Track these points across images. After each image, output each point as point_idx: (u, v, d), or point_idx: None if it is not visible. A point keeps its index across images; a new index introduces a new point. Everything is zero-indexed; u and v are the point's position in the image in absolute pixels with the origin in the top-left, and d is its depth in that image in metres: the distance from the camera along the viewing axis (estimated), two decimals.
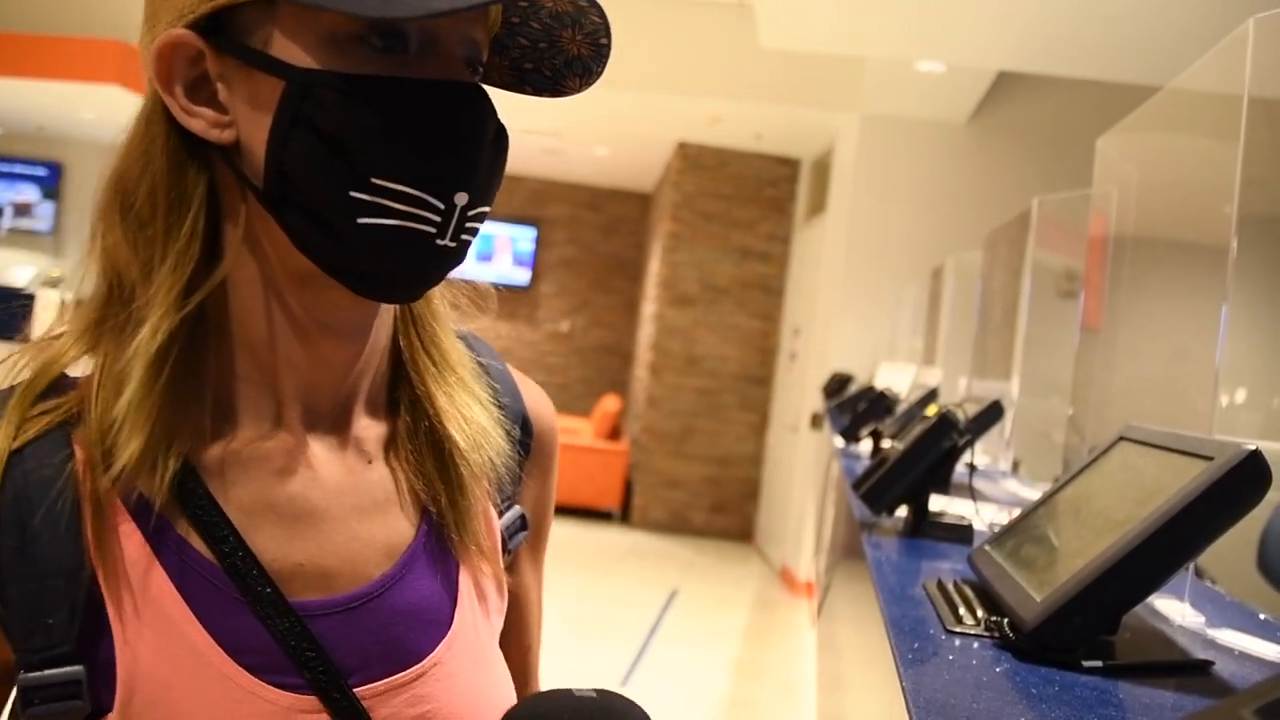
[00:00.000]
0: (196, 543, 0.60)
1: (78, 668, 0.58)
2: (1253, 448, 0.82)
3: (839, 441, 3.09)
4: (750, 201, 7.74)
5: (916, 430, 1.51)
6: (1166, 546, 0.84)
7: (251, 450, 0.63)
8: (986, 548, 1.14)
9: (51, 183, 10.00)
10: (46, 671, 0.57)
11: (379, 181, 0.57)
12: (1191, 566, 1.12)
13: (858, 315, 6.03)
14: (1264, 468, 0.82)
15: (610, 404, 8.60)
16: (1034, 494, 2.28)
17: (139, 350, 0.58)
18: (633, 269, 9.81)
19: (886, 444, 2.66)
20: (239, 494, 0.62)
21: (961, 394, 3.23)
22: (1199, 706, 0.81)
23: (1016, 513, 1.75)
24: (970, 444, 1.57)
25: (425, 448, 0.69)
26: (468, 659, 0.68)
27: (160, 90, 0.60)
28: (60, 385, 0.63)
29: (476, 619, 0.70)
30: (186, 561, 0.60)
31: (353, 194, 0.57)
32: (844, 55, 5.66)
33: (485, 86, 0.63)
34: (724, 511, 7.81)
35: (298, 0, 0.55)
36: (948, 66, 5.08)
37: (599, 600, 5.74)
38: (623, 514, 8.01)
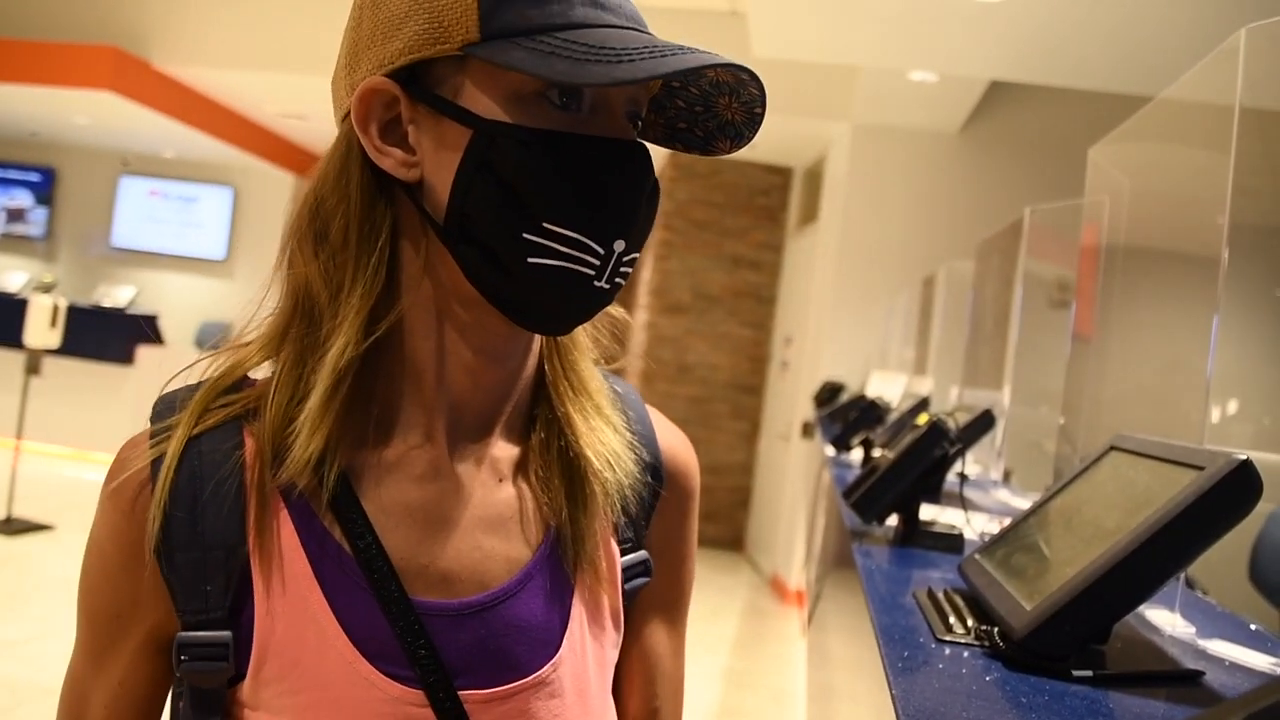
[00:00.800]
0: (337, 535, 0.67)
1: (226, 633, 0.65)
2: (1243, 457, 0.82)
3: (830, 450, 3.08)
4: (743, 210, 7.74)
5: (907, 439, 1.51)
6: (1157, 556, 0.83)
7: (397, 457, 0.69)
8: (977, 556, 1.13)
9: (44, 188, 9.99)
10: (200, 633, 0.65)
11: (550, 226, 0.62)
12: (1182, 576, 1.12)
13: (850, 324, 6.04)
14: (1255, 478, 0.81)
15: None
16: (1025, 504, 2.28)
17: (326, 366, 0.65)
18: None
19: (877, 453, 2.66)
20: (380, 495, 0.68)
21: (953, 403, 3.23)
22: (1189, 716, 0.81)
23: (1007, 522, 1.75)
24: (961, 453, 1.57)
25: (555, 465, 0.73)
26: (572, 683, 0.71)
27: (357, 129, 0.66)
28: (239, 384, 0.70)
29: (586, 645, 0.73)
30: (326, 551, 0.66)
31: (526, 236, 0.62)
32: (837, 64, 5.67)
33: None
34: (715, 520, 7.79)
35: (493, 60, 0.60)
36: (940, 76, 5.09)
37: None
38: None
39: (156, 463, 0.66)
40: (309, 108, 7.80)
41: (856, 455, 2.89)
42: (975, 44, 4.39)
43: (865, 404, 3.21)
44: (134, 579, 0.66)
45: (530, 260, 0.63)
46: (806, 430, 5.85)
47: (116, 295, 9.17)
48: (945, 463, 1.51)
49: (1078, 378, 1.87)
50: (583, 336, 0.78)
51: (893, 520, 1.55)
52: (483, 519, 0.70)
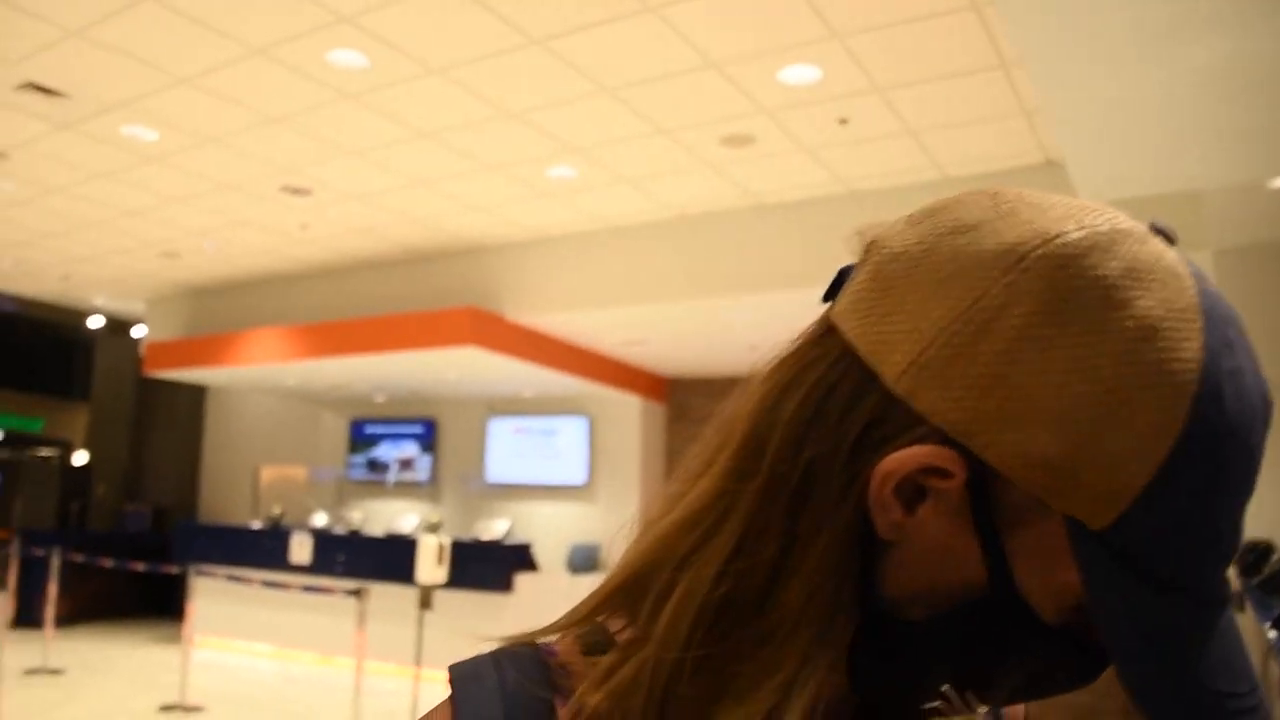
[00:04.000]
0: None
1: None
2: None
3: (1272, 633, 2.58)
4: None
5: None
6: None
7: None
8: None
9: (427, 438, 11.25)
10: None
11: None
12: None
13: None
14: None
15: None
16: None
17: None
18: None
19: None
20: None
21: None
22: None
23: None
24: None
25: None
26: None
27: (876, 478, 0.49)
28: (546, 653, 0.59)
29: None
30: None
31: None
32: (1179, 192, 5.21)
33: None
34: None
35: (1088, 576, 0.47)
36: None
37: None
38: None
39: None
40: (646, 333, 8.29)
41: None
42: None
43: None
44: None
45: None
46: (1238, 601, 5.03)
47: (493, 528, 9.94)
48: None
49: None
50: None
51: None
52: None
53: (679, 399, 10.74)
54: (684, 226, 7.21)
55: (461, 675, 0.58)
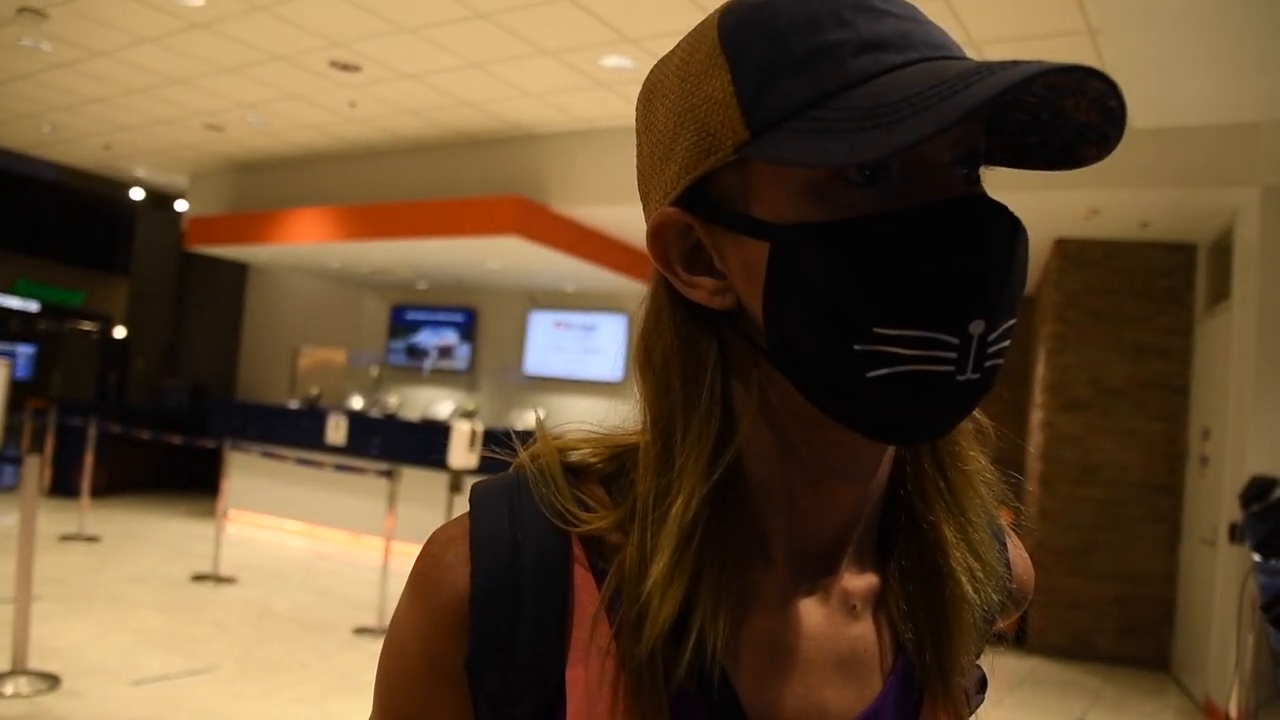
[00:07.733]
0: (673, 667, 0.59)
1: None
2: None
3: (1256, 556, 2.65)
4: (1142, 295, 7.08)
5: None
6: None
7: (740, 584, 0.61)
8: None
9: (468, 326, 11.35)
10: None
11: (882, 331, 0.53)
12: None
13: (1278, 411, 5.23)
14: None
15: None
16: None
17: (670, 525, 0.58)
18: (1017, 375, 9.27)
19: None
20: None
21: None
22: None
23: None
24: None
25: (921, 591, 0.65)
26: None
27: (659, 266, 0.62)
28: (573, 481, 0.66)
29: None
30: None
31: (856, 348, 0.53)
32: (1233, 124, 5.08)
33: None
34: (1134, 635, 6.94)
35: (764, 157, 0.54)
36: None
37: None
38: (1017, 637, 7.39)
39: (476, 569, 0.60)
40: None
41: None
42: None
43: None
44: (434, 688, 0.61)
45: (870, 375, 0.53)
46: (1236, 533, 5.10)
47: (528, 419, 10.07)
48: None
49: None
50: (966, 421, 0.66)
51: None
52: (827, 661, 0.63)
53: None
54: None
55: (480, 490, 0.65)
